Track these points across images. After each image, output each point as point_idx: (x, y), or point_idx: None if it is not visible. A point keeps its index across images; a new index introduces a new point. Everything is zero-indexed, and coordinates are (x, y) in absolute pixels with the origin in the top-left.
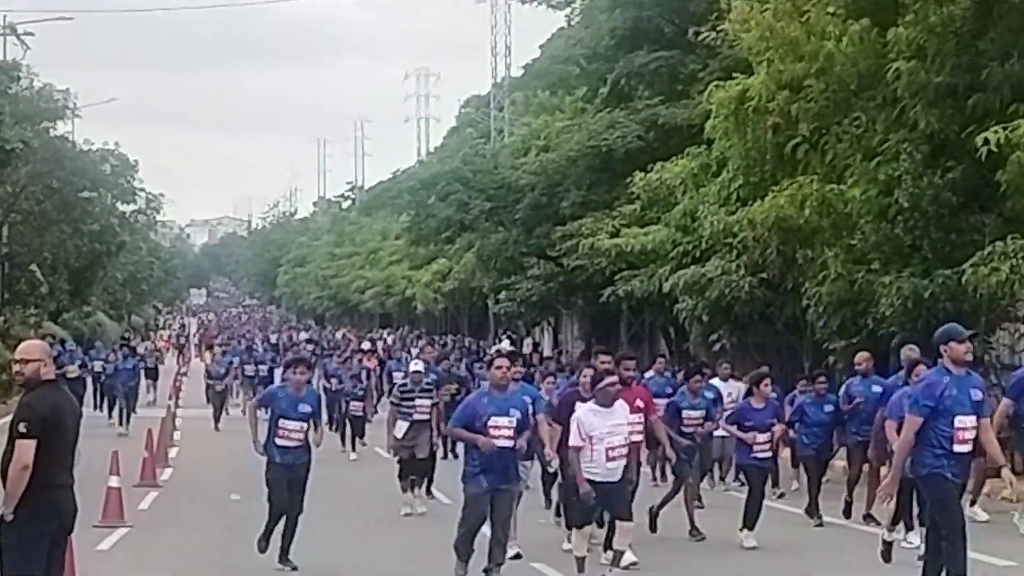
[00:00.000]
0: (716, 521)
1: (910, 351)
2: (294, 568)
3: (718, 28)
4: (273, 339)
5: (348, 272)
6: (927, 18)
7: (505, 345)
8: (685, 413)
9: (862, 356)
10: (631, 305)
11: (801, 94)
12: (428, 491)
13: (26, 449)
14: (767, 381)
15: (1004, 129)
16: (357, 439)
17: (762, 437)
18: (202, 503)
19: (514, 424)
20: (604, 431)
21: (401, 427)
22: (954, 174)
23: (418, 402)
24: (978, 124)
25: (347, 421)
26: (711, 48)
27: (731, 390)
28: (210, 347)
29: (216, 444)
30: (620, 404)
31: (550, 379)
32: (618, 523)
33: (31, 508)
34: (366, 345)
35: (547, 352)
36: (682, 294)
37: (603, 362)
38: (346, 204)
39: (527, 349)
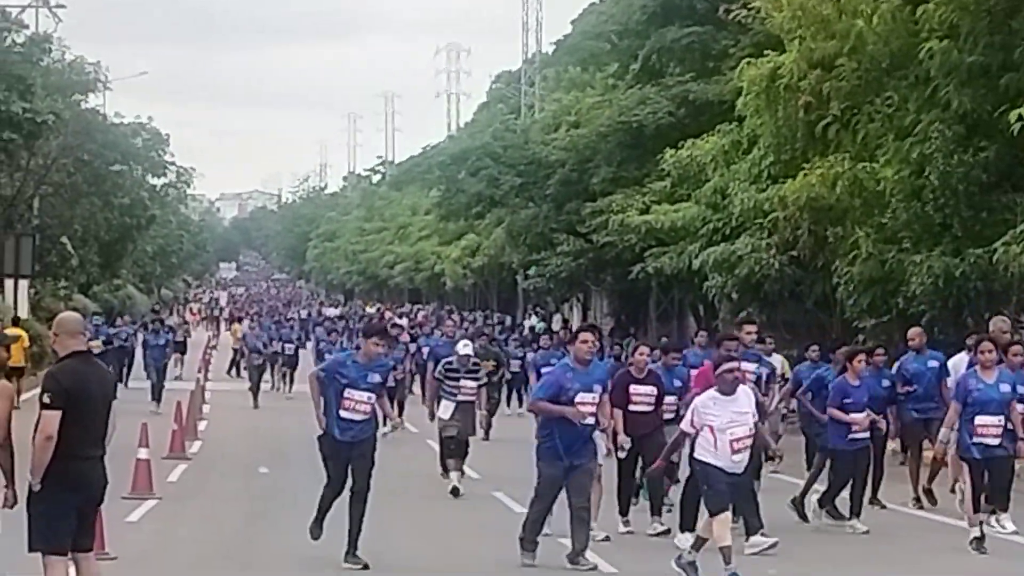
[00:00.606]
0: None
1: (1002, 323)
2: (364, 567)
3: (749, 5)
4: (303, 314)
5: (377, 247)
6: None
7: (534, 321)
8: None
9: (915, 331)
10: (660, 282)
11: (833, 73)
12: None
13: (50, 420)
14: (861, 356)
15: None
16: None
17: (859, 417)
18: (231, 476)
19: (597, 400)
20: (726, 421)
21: (447, 408)
22: (986, 153)
23: (463, 383)
24: (1011, 104)
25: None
26: (743, 25)
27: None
28: (238, 320)
29: (245, 417)
30: (744, 391)
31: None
32: (723, 514)
33: (57, 479)
34: (402, 322)
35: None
36: (712, 271)
37: (748, 332)
38: (376, 179)
39: (556, 325)
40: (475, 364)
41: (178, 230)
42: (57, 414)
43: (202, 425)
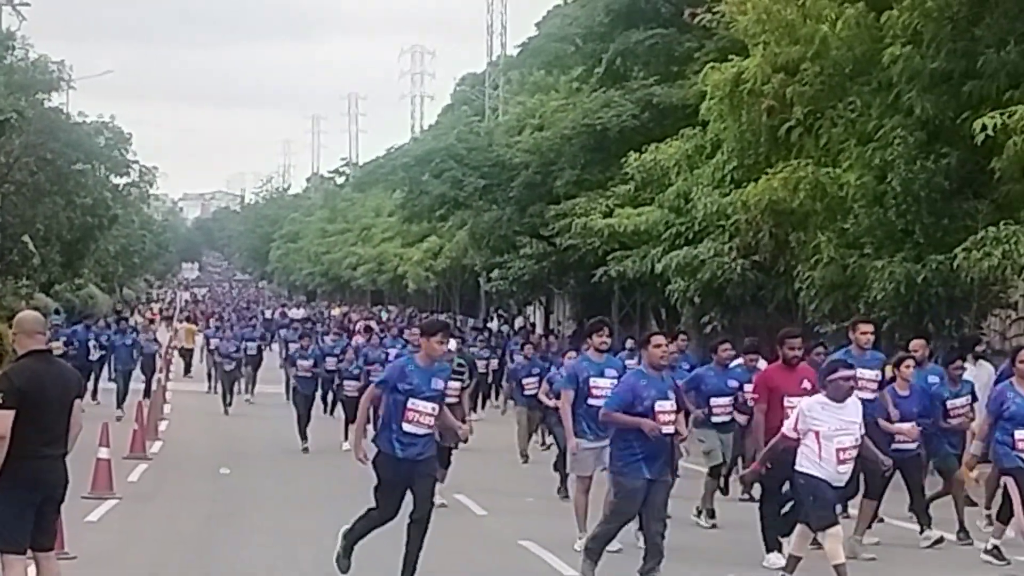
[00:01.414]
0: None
1: None
2: None
3: (714, 9)
4: (267, 314)
5: (340, 248)
6: (923, 3)
7: (494, 324)
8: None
9: (918, 343)
10: (623, 286)
11: (796, 77)
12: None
13: (2, 419)
14: (909, 362)
15: (1001, 115)
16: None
17: (907, 427)
18: (191, 476)
19: (674, 407)
20: (834, 428)
21: None
22: (948, 160)
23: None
24: (973, 111)
25: (342, 404)
26: (707, 29)
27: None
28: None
29: (206, 418)
30: (854, 400)
31: (572, 354)
32: (833, 528)
33: (12, 478)
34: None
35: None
36: (674, 275)
37: (792, 347)
38: (340, 180)
39: (518, 327)
40: (460, 366)
41: (140, 230)
42: (10, 414)
43: (163, 425)
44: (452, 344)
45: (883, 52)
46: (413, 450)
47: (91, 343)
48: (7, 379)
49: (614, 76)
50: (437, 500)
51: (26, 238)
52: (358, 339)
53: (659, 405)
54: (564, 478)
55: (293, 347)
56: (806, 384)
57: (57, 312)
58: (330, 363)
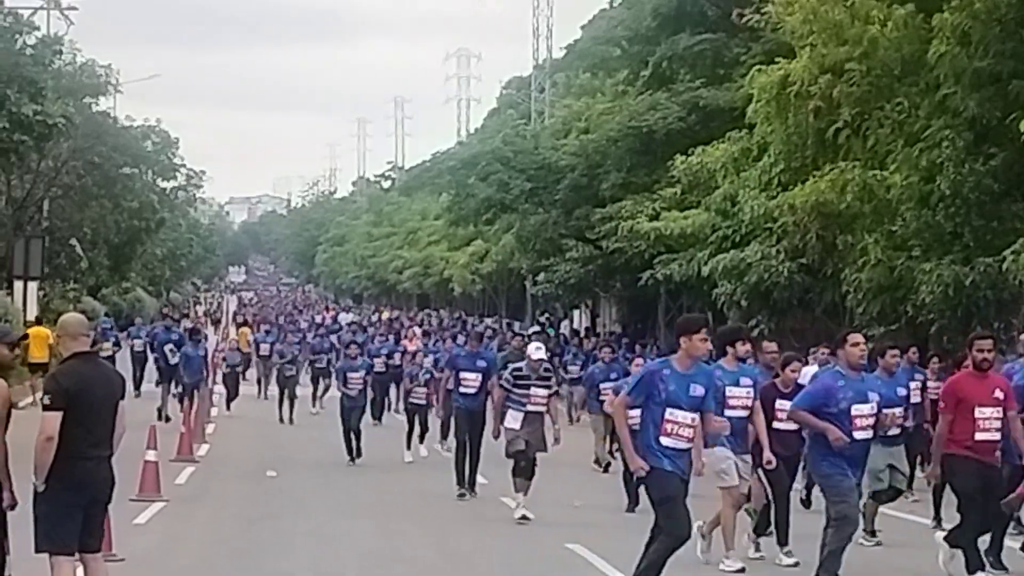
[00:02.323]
0: None
1: None
2: None
3: (762, 11)
4: (317, 319)
5: (386, 252)
6: (972, 4)
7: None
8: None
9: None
10: (669, 289)
11: (843, 78)
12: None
13: (50, 421)
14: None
15: None
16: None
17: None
18: (238, 479)
19: (874, 412)
20: None
21: (514, 419)
22: (996, 161)
23: (534, 391)
24: (1021, 111)
25: (407, 412)
26: (754, 31)
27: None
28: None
29: (254, 421)
30: None
31: (640, 361)
32: None
33: (61, 479)
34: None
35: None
36: (721, 278)
37: (982, 350)
38: (386, 184)
39: (564, 331)
40: (547, 370)
41: (187, 233)
42: (58, 415)
43: (210, 428)
44: (543, 351)
45: (931, 53)
46: (681, 463)
47: (168, 348)
48: (54, 381)
49: (660, 79)
50: (519, 512)
51: (73, 241)
52: (414, 344)
53: (856, 409)
54: (636, 490)
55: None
56: (998, 393)
57: (107, 315)
58: (377, 364)
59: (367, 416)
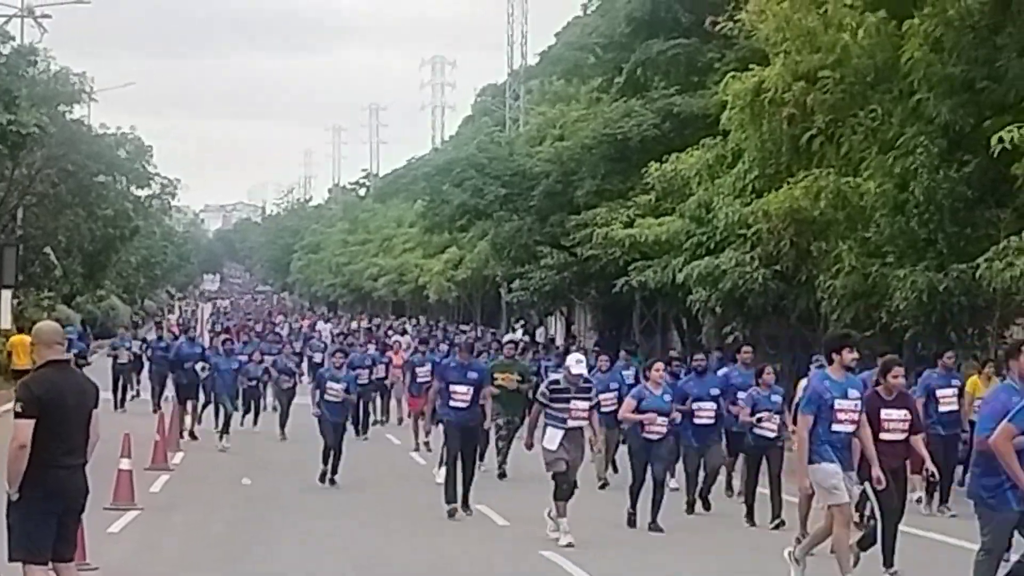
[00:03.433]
0: None
1: None
2: None
3: (735, 18)
4: (295, 327)
5: (361, 259)
6: (945, 11)
7: (518, 335)
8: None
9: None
10: (644, 296)
11: (817, 85)
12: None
13: (22, 429)
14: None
15: (1019, 128)
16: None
17: None
18: (213, 487)
19: None
20: None
21: (553, 437)
22: (969, 168)
23: (574, 404)
24: (995, 117)
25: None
26: (728, 38)
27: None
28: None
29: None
30: None
31: (660, 365)
32: None
33: (34, 487)
34: (403, 339)
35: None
36: (695, 285)
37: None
38: (361, 191)
39: (540, 339)
40: (586, 382)
41: (162, 241)
42: (30, 423)
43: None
44: (583, 366)
45: (904, 59)
46: (847, 454)
47: (200, 365)
48: (27, 389)
49: (635, 86)
50: (564, 539)
51: (48, 250)
52: (400, 356)
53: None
54: (636, 504)
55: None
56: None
57: (83, 324)
58: (361, 376)
59: (350, 431)
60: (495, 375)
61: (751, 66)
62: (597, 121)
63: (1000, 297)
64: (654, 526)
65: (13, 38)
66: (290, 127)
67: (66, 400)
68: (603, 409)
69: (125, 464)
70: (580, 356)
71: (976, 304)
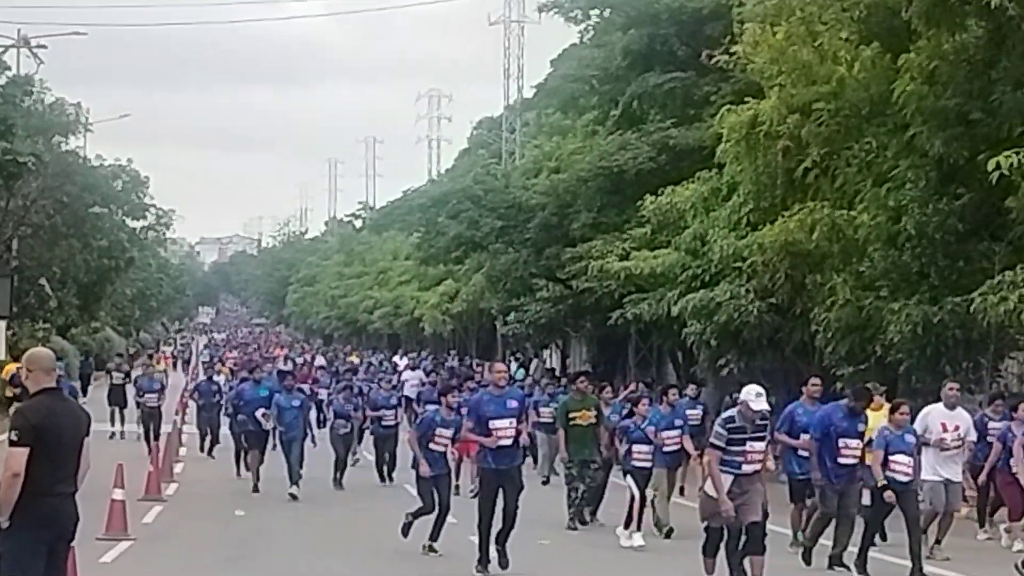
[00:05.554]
0: None
1: None
2: None
3: (731, 51)
4: (298, 360)
5: (357, 292)
6: (940, 45)
7: (513, 367)
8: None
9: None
10: (639, 329)
11: (812, 118)
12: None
13: (16, 457)
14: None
15: (1017, 154)
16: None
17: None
18: (206, 518)
19: None
20: None
21: (724, 482)
22: (962, 201)
23: (750, 446)
24: (989, 150)
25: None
26: (724, 71)
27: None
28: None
29: (221, 460)
30: None
31: (677, 392)
32: None
33: (27, 516)
34: (415, 374)
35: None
36: (691, 318)
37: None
38: (357, 224)
39: (533, 372)
40: (763, 419)
41: (157, 273)
42: (24, 451)
43: (178, 467)
44: (764, 400)
45: (897, 92)
46: None
47: (261, 412)
48: (22, 416)
49: (630, 119)
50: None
51: (43, 281)
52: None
53: None
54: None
55: (340, 406)
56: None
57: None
58: (387, 418)
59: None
60: (570, 414)
61: (747, 99)
62: (593, 154)
63: (995, 331)
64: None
65: (9, 68)
66: (286, 160)
67: (62, 428)
68: (665, 450)
69: (118, 494)
70: (759, 389)
71: (971, 337)
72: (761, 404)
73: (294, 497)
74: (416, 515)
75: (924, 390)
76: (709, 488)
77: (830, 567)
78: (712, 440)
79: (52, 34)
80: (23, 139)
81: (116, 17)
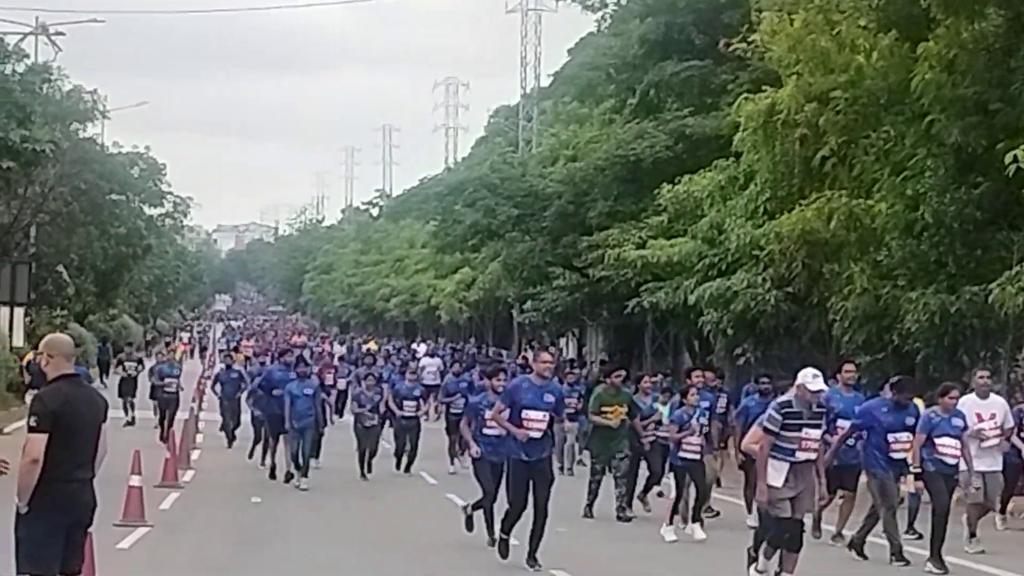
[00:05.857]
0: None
1: None
2: None
3: (748, 40)
4: (316, 350)
5: (374, 280)
6: (959, 34)
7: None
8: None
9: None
10: (656, 317)
11: (829, 106)
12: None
13: (35, 443)
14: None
15: None
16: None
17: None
18: (223, 505)
19: None
20: None
21: (777, 472)
22: (981, 190)
23: (806, 433)
24: (1008, 139)
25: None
26: (741, 59)
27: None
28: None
29: (238, 447)
30: None
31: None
32: None
33: (45, 501)
34: (433, 361)
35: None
36: (707, 307)
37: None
38: (374, 212)
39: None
40: (820, 406)
41: (175, 261)
42: (43, 437)
43: (195, 454)
44: (821, 380)
45: (915, 81)
46: None
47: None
48: (41, 402)
49: (648, 107)
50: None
51: (60, 268)
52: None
53: None
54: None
55: (363, 396)
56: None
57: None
58: (408, 408)
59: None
60: (602, 408)
61: (764, 87)
62: (610, 142)
63: (1013, 320)
64: None
65: (28, 56)
66: (303, 148)
67: (80, 414)
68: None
69: (135, 481)
70: (815, 371)
71: (989, 326)
72: (819, 384)
73: (301, 488)
74: (476, 506)
75: (942, 379)
76: (769, 478)
77: (850, 548)
78: (765, 424)
79: (70, 22)
80: (41, 126)
81: (133, 5)
